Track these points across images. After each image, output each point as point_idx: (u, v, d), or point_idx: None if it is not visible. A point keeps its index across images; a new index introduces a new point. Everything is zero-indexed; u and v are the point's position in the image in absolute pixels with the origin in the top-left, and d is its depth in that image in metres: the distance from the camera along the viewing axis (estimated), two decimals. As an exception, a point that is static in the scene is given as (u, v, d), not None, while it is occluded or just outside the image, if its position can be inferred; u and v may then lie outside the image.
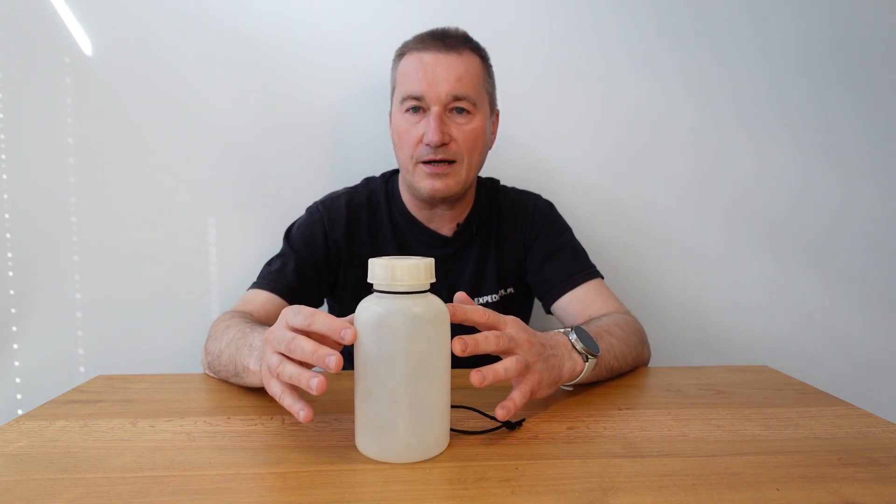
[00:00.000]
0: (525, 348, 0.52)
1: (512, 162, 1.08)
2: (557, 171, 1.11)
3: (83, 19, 1.00)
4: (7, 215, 1.02)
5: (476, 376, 0.48)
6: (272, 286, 0.81)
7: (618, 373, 0.70)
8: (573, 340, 0.60)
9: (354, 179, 0.96)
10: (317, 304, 0.88)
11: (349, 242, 0.87)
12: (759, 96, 1.13)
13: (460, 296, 0.54)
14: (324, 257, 0.86)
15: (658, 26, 1.10)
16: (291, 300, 0.80)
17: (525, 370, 0.52)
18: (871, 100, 1.15)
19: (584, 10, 1.09)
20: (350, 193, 0.90)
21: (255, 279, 0.83)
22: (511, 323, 0.53)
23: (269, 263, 0.85)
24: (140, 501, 0.40)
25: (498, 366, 0.49)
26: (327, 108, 1.07)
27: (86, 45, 1.01)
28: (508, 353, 0.52)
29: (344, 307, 0.89)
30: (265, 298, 0.79)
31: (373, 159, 1.05)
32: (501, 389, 0.66)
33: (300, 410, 0.45)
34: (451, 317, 0.48)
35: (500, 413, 0.50)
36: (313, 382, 0.44)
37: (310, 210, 0.89)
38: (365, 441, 0.47)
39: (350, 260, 0.86)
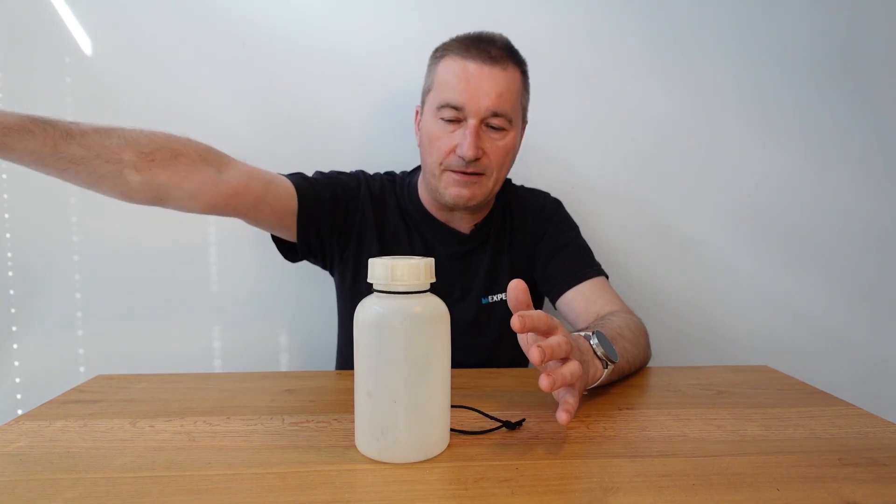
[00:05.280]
0: (575, 353, 0.52)
1: (518, 162, 1.08)
2: (561, 171, 1.11)
3: (83, 19, 1.00)
4: (7, 215, 1.02)
5: (546, 381, 0.46)
6: (291, 174, 0.82)
7: (626, 375, 0.70)
8: (594, 345, 0.60)
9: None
10: (320, 237, 0.85)
11: (378, 221, 0.87)
12: (763, 98, 1.13)
13: (519, 285, 0.49)
14: (346, 208, 0.85)
15: (663, 30, 1.10)
16: (302, 191, 0.80)
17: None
18: (872, 101, 1.14)
19: (593, 15, 1.09)
20: (382, 180, 0.91)
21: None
22: (560, 327, 0.52)
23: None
24: (140, 501, 0.40)
25: (565, 370, 0.49)
26: (329, 108, 1.07)
27: (86, 45, 1.01)
28: (567, 357, 0.51)
29: (358, 280, 0.88)
30: (275, 176, 0.79)
31: (374, 160, 1.05)
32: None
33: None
34: (518, 327, 0.46)
35: (565, 418, 0.48)
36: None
37: (353, 171, 0.90)
38: (365, 441, 0.47)
39: (380, 238, 0.86)
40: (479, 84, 0.76)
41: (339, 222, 0.85)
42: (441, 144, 0.79)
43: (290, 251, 0.86)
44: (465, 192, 0.80)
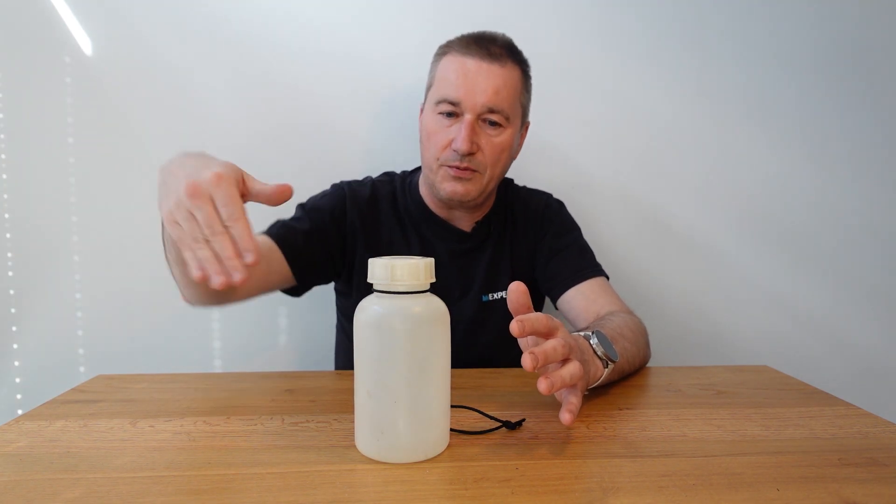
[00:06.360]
0: (575, 353, 0.52)
1: (520, 162, 1.08)
2: (563, 171, 1.11)
3: (83, 19, 1.00)
4: (7, 215, 1.02)
5: (544, 384, 0.46)
6: (276, 234, 0.78)
7: (626, 375, 0.70)
8: (594, 345, 0.60)
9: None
10: (321, 278, 0.85)
11: (368, 227, 0.86)
12: (765, 99, 1.13)
13: (518, 288, 0.49)
14: (337, 231, 0.84)
15: (666, 30, 1.10)
16: (294, 260, 0.78)
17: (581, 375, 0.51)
18: (873, 101, 1.14)
19: (596, 15, 1.09)
20: (374, 182, 0.90)
21: None
22: (560, 327, 0.52)
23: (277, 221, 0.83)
24: (140, 501, 0.40)
25: (564, 372, 0.48)
26: (329, 109, 1.07)
27: (86, 45, 1.01)
28: (567, 358, 0.50)
29: (361, 293, 0.88)
30: (261, 240, 0.75)
31: (374, 162, 1.05)
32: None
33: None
34: (517, 331, 0.46)
35: (568, 418, 0.48)
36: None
37: (334, 185, 0.89)
38: (365, 441, 0.47)
39: (369, 245, 0.86)
40: (477, 80, 0.77)
41: (331, 248, 0.84)
42: (438, 139, 0.80)
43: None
44: (458, 187, 0.80)
